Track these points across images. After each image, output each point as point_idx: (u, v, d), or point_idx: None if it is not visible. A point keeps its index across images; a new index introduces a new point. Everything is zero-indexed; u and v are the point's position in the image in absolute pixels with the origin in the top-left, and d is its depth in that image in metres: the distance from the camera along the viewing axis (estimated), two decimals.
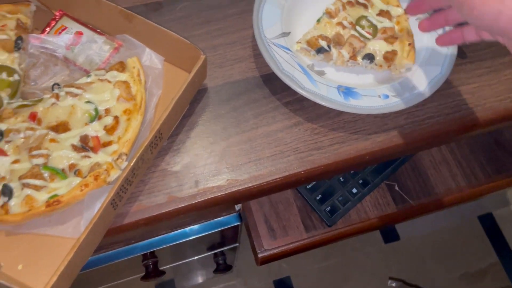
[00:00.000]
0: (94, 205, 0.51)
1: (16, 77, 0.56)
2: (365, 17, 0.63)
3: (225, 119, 0.61)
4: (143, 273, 0.96)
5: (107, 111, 0.55)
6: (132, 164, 0.50)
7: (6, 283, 0.44)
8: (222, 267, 1.18)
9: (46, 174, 0.50)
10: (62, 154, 0.52)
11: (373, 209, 0.79)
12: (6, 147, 0.52)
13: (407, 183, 0.82)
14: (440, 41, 0.57)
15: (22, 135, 0.53)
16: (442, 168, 0.83)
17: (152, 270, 0.95)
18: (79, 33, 0.62)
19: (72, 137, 0.53)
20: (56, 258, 0.48)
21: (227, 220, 0.91)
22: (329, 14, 0.63)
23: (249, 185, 0.57)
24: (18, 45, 0.58)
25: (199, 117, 0.61)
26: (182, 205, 0.55)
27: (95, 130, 0.54)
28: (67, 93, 0.55)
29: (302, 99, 0.62)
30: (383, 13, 0.63)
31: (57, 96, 0.55)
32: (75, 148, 0.52)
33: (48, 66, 0.60)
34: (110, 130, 0.54)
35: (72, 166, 0.51)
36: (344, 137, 0.60)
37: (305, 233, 0.76)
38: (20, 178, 0.50)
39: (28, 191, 0.49)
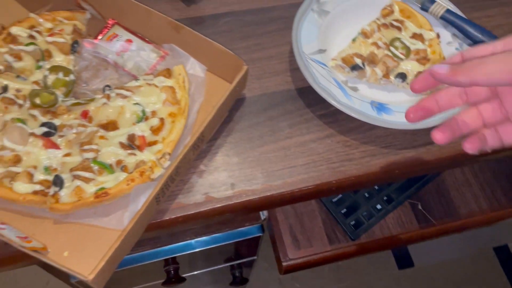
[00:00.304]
0: (138, 200, 0.54)
1: (71, 77, 0.60)
2: (398, 39, 0.66)
3: (261, 128, 0.64)
4: (164, 279, 0.98)
5: (153, 113, 0.58)
6: (177, 163, 0.53)
7: (57, 265, 0.47)
8: (238, 280, 1.19)
9: (95, 168, 0.54)
10: (110, 151, 0.55)
11: (396, 226, 0.81)
12: (59, 141, 0.56)
13: (430, 203, 0.83)
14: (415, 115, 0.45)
15: (74, 130, 0.56)
16: (465, 190, 0.85)
17: (174, 276, 0.97)
18: (129, 41, 0.66)
19: (120, 135, 0.56)
20: (99, 248, 0.51)
21: (249, 230, 0.93)
22: (365, 34, 0.67)
23: (282, 190, 0.59)
24: (74, 48, 0.62)
25: (236, 124, 0.64)
26: (218, 206, 0.58)
27: (141, 130, 0.57)
28: (117, 94, 0.58)
29: (336, 112, 0.64)
30: (416, 36, 0.66)
31: (108, 97, 0.58)
32: (122, 145, 0.56)
33: (99, 70, 0.64)
34: (155, 130, 0.57)
35: (119, 162, 0.55)
36: (375, 150, 0.63)
37: (329, 245, 0.78)
38: (71, 170, 0.53)
39: (78, 182, 0.52)
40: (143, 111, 0.58)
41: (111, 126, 0.57)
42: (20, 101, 0.57)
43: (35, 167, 0.53)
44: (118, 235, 0.51)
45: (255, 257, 1.15)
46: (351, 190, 0.77)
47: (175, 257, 0.95)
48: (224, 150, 0.62)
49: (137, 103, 0.58)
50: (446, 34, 0.69)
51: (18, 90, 0.58)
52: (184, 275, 1.08)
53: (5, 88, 0.57)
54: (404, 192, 0.81)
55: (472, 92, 0.44)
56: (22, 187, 0.51)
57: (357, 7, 0.71)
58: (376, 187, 0.81)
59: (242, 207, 0.59)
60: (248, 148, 0.62)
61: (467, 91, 0.44)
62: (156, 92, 0.59)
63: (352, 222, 0.78)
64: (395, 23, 0.67)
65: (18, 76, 0.59)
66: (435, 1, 0.69)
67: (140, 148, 0.56)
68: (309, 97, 0.66)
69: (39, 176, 0.53)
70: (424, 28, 0.67)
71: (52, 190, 0.52)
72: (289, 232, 0.78)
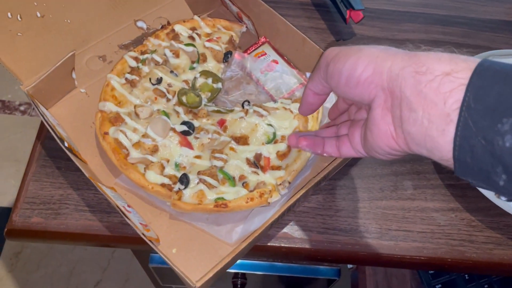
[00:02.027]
0: (251, 220, 0.54)
1: (219, 85, 0.63)
2: None
3: (384, 181, 0.62)
4: None
5: (283, 138, 0.59)
6: (298, 196, 0.53)
7: (168, 261, 0.48)
8: None
9: (220, 177, 0.55)
10: (237, 164, 0.56)
11: None
12: (193, 142, 0.58)
13: None
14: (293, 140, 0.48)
15: (209, 136, 0.58)
16: None
17: None
18: (275, 62, 0.68)
19: (249, 151, 0.57)
20: (205, 253, 0.53)
21: (326, 271, 0.91)
22: None
23: (393, 253, 0.57)
24: (226, 58, 0.65)
25: (359, 170, 0.62)
26: (324, 248, 0.57)
27: (268, 151, 0.58)
28: (254, 111, 0.60)
29: (466, 187, 0.61)
30: None
31: (246, 112, 0.60)
32: (248, 162, 0.57)
33: (241, 83, 0.66)
34: (281, 156, 0.57)
35: (241, 177, 0.56)
36: (501, 239, 0.58)
37: None
38: (198, 173, 0.55)
39: (202, 186, 0.53)
40: (274, 134, 0.59)
41: (242, 140, 0.58)
42: (169, 96, 0.61)
43: (167, 161, 0.56)
44: (225, 247, 0.52)
45: None
46: (464, 273, 0.72)
47: (244, 273, 0.96)
48: (341, 193, 0.61)
49: (270, 125, 0.59)
50: None
51: (169, 85, 0.62)
52: None
53: (160, 81, 0.61)
54: (509, 286, 0.74)
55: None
56: (153, 177, 0.54)
57: None
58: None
59: (346, 256, 0.57)
60: (366, 198, 0.60)
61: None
62: (289, 118, 0.60)
63: None
64: None
65: (171, 72, 0.63)
66: None
67: (263, 169, 0.57)
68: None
69: (169, 170, 0.55)
70: None
71: (177, 186, 0.54)
72: None
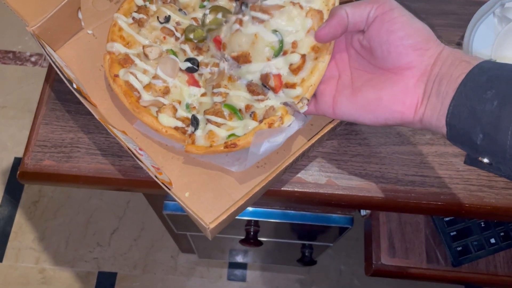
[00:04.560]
0: (259, 148, 0.51)
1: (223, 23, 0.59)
2: None
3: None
4: (243, 237, 1.00)
5: (294, 45, 0.47)
6: (314, 141, 0.51)
7: (181, 202, 0.48)
8: (307, 260, 1.19)
9: (225, 113, 0.52)
10: (239, 95, 0.52)
11: (504, 266, 0.74)
12: (198, 79, 0.56)
13: None
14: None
15: (209, 70, 0.55)
16: None
17: (252, 237, 0.98)
18: None
19: (252, 72, 0.49)
20: (217, 197, 0.52)
21: (340, 219, 0.91)
22: None
23: (409, 197, 0.56)
24: None
25: None
26: (338, 193, 0.56)
27: (277, 67, 0.48)
28: (253, 18, 0.48)
29: None
30: None
31: (240, 22, 0.50)
32: (250, 90, 0.51)
33: None
34: (295, 70, 0.47)
35: (248, 108, 0.51)
36: None
37: (425, 263, 0.73)
38: (205, 113, 0.52)
39: (211, 126, 0.51)
40: (281, 43, 0.47)
41: (242, 58, 0.49)
42: (178, 34, 0.58)
43: (179, 102, 0.54)
44: (240, 190, 0.51)
45: (331, 244, 1.13)
46: (482, 219, 0.71)
47: (257, 221, 0.96)
48: (357, 139, 0.59)
49: (275, 31, 0.48)
50: None
51: (178, 23, 0.59)
52: (261, 239, 1.10)
53: (168, 19, 0.58)
54: None
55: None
56: (166, 120, 0.52)
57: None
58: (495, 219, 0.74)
59: (361, 201, 0.56)
60: (382, 143, 0.59)
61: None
62: (300, 16, 0.48)
63: (459, 248, 0.72)
64: None
65: (180, 10, 0.60)
66: None
67: (275, 90, 0.48)
68: None
69: (182, 112, 0.53)
70: None
71: (190, 129, 0.53)
72: (387, 236, 0.75)
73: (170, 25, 0.58)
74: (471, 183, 0.56)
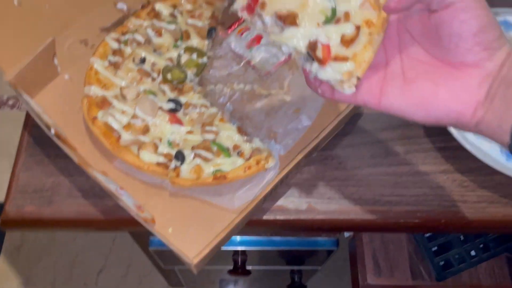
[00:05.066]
0: (249, 189, 0.54)
1: (204, 60, 0.62)
2: None
3: (375, 148, 0.62)
4: (231, 267, 1.00)
5: (346, 16, 0.42)
6: (289, 168, 0.53)
7: (165, 240, 0.49)
8: (297, 285, 1.19)
9: (214, 149, 0.55)
10: (228, 135, 0.56)
11: (487, 277, 0.75)
12: (183, 118, 0.58)
13: None
14: None
15: (197, 110, 0.58)
16: None
17: (240, 266, 0.98)
18: (259, 36, 0.67)
19: (300, 37, 0.42)
20: (201, 231, 0.53)
21: (325, 242, 0.92)
22: None
23: (388, 218, 0.57)
24: (210, 34, 0.64)
25: (350, 140, 0.62)
26: (319, 217, 0.57)
27: (328, 36, 0.42)
28: None
29: (457, 148, 0.61)
30: None
31: None
32: (240, 130, 0.57)
33: (230, 64, 0.65)
34: (347, 42, 0.41)
35: (235, 147, 0.55)
36: (494, 198, 0.58)
37: (411, 279, 0.74)
38: (193, 148, 0.55)
39: (198, 160, 0.53)
40: (334, 10, 0.42)
41: (289, 19, 0.42)
42: (154, 75, 0.60)
43: (160, 140, 0.56)
44: (222, 222, 0.52)
45: (319, 268, 1.14)
46: (458, 233, 0.73)
47: (244, 250, 0.97)
48: (333, 163, 0.61)
49: None
50: None
51: (153, 64, 0.61)
52: (249, 268, 1.10)
53: (143, 60, 0.60)
54: (503, 244, 0.76)
55: None
56: (148, 156, 0.54)
57: None
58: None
59: (342, 224, 0.58)
60: (357, 166, 0.61)
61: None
62: None
63: (442, 263, 0.74)
64: None
65: (155, 51, 0.62)
66: None
67: (322, 62, 0.42)
68: (430, 127, 0.63)
69: (163, 149, 0.55)
70: None
71: (173, 163, 0.54)
72: (371, 256, 0.76)
73: (146, 66, 0.60)
74: (445, 199, 0.58)
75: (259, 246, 0.95)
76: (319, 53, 0.42)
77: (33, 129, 0.61)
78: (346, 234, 0.79)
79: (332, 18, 0.42)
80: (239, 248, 0.94)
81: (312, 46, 0.42)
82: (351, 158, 0.61)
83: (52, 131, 0.52)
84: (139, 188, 0.56)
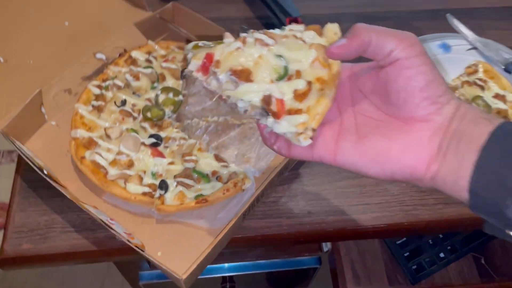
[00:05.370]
0: (230, 209, 0.60)
1: (180, 97, 0.68)
2: (480, 97, 0.69)
3: None
4: None
5: (298, 74, 0.43)
6: (264, 186, 0.59)
7: (156, 261, 0.53)
8: None
9: (194, 177, 0.61)
10: (207, 162, 0.62)
11: (457, 277, 0.81)
12: (164, 151, 0.63)
13: (494, 259, 0.83)
14: None
15: (177, 142, 0.64)
16: None
17: None
18: None
19: (255, 92, 0.43)
20: (188, 252, 0.57)
21: (307, 260, 0.97)
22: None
23: (356, 225, 0.63)
24: (184, 75, 0.71)
25: None
26: (294, 231, 0.63)
27: (281, 91, 0.43)
28: (256, 40, 0.44)
29: None
30: (498, 97, 0.69)
31: (243, 41, 0.45)
32: (217, 157, 0.63)
33: (204, 100, 0.72)
34: (300, 96, 0.42)
35: (214, 173, 0.61)
36: (448, 199, 0.65)
37: (388, 285, 0.79)
38: (175, 177, 0.60)
39: (181, 188, 0.59)
40: (286, 68, 0.43)
41: (244, 75, 0.43)
42: (135, 114, 0.66)
43: (144, 172, 0.61)
44: (206, 241, 0.57)
45: None
46: (421, 233, 0.80)
47: (232, 276, 1.00)
48: (304, 180, 0.67)
49: (280, 56, 0.44)
50: None
51: (133, 105, 0.67)
52: None
53: (124, 102, 0.67)
54: (469, 245, 0.82)
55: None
56: (134, 187, 0.59)
57: (443, 61, 0.75)
58: (441, 236, 0.82)
59: (316, 234, 0.63)
60: (326, 182, 0.67)
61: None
62: (304, 48, 0.44)
63: (414, 267, 0.79)
64: (478, 82, 0.70)
65: (134, 93, 0.69)
66: None
67: (276, 116, 0.43)
68: None
69: (148, 180, 0.60)
70: (507, 90, 0.70)
71: (158, 193, 0.59)
72: (350, 267, 0.81)
73: (127, 107, 0.66)
74: (406, 204, 0.65)
75: (246, 271, 0.99)
76: (274, 107, 0.43)
77: (25, 174, 0.66)
78: (325, 248, 0.84)
79: (285, 75, 0.44)
80: (227, 274, 0.97)
81: (267, 101, 0.43)
82: (320, 174, 0.68)
83: (45, 171, 0.57)
84: (127, 218, 0.61)
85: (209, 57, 0.45)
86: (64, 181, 0.63)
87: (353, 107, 0.44)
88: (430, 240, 0.82)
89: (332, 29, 0.45)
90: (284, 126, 0.43)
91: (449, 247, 0.82)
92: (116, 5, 0.80)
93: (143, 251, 0.56)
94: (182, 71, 0.71)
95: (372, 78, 0.42)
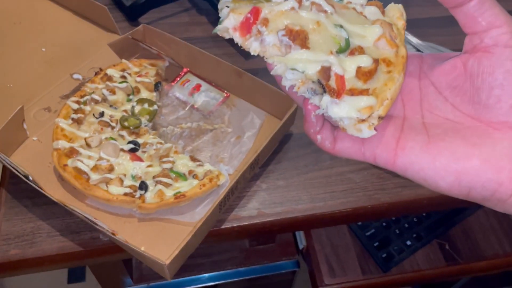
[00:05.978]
0: (207, 203, 0.65)
1: (155, 107, 0.74)
2: None
3: (306, 158, 0.75)
4: None
5: (360, 50, 0.36)
6: (237, 178, 0.64)
7: (140, 250, 0.57)
8: None
9: (172, 176, 0.65)
10: (183, 163, 0.67)
11: (424, 262, 0.87)
12: (142, 155, 0.68)
13: (457, 243, 0.90)
14: None
15: (154, 147, 0.69)
16: (490, 234, 0.91)
17: None
18: (199, 85, 0.81)
19: (310, 61, 0.36)
20: (169, 245, 0.61)
21: (286, 264, 1.01)
22: None
23: (324, 211, 0.69)
24: (157, 87, 0.77)
25: (285, 154, 0.75)
26: (268, 220, 0.68)
27: (342, 65, 0.35)
28: (313, 3, 0.37)
29: None
30: None
31: (300, 1, 0.37)
32: (192, 158, 0.68)
33: (177, 109, 0.78)
34: (364, 75, 0.35)
35: (190, 172, 0.66)
36: (406, 183, 0.72)
37: (361, 275, 0.84)
38: (154, 177, 0.65)
39: (160, 186, 0.63)
40: (347, 41, 0.36)
41: (300, 39, 0.36)
42: (113, 124, 0.71)
43: (124, 175, 0.65)
44: (186, 231, 0.61)
45: None
46: (385, 216, 0.85)
47: (216, 285, 1.03)
48: (274, 175, 0.73)
49: (340, 26, 0.37)
50: None
51: (111, 116, 0.72)
52: None
53: (102, 114, 0.71)
54: (433, 232, 0.88)
55: None
56: (115, 189, 0.63)
57: None
58: (406, 225, 0.88)
59: (288, 223, 0.68)
60: (294, 175, 0.73)
61: None
62: (366, 22, 0.38)
63: (384, 255, 0.85)
64: None
65: (111, 106, 0.74)
66: None
67: (336, 94, 0.35)
68: None
69: (128, 182, 0.64)
70: None
71: (138, 193, 0.64)
72: (325, 261, 0.86)
73: (105, 119, 0.71)
74: (368, 190, 0.71)
75: (229, 279, 1.02)
76: (333, 83, 0.35)
77: (9, 186, 0.69)
78: (300, 246, 0.89)
79: (347, 48, 0.36)
80: (210, 284, 1.00)
81: (325, 74, 0.35)
82: (289, 169, 0.73)
83: (30, 177, 0.61)
84: (110, 219, 0.64)
85: (255, 12, 0.36)
86: (47, 191, 0.66)
87: (421, 104, 0.36)
88: (397, 230, 0.88)
89: (397, 9, 0.39)
90: (344, 108, 0.35)
91: (414, 235, 0.88)
92: (90, 31, 0.87)
93: (127, 242, 0.59)
94: (156, 85, 0.78)
95: (451, 70, 0.34)
